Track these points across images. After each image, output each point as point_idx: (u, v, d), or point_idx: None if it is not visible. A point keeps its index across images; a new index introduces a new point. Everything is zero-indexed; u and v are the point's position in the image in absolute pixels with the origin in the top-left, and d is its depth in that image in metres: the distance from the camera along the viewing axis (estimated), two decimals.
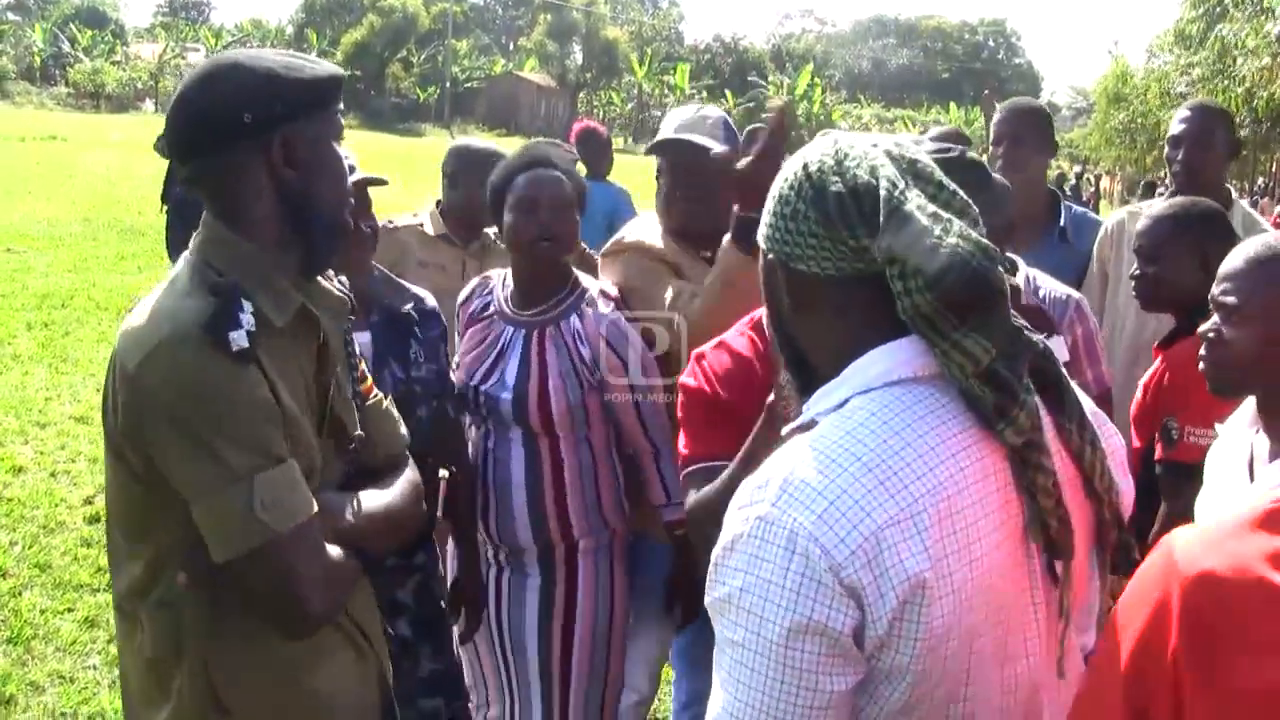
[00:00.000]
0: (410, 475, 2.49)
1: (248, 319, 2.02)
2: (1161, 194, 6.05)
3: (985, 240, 1.60)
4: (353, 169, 3.15)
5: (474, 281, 3.83)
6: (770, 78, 76.25)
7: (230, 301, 2.02)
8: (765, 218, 1.75)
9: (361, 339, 3.29)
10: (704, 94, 70.50)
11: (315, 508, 2.08)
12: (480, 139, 4.92)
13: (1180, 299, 3.49)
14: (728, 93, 69.66)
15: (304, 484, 2.07)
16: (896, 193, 1.60)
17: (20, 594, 5.56)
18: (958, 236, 1.57)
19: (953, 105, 74.06)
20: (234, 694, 2.16)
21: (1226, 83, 23.20)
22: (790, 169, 1.72)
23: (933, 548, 1.53)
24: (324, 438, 2.26)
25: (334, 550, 2.13)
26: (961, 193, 1.67)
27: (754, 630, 1.53)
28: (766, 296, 1.81)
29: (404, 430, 2.58)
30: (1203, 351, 2.67)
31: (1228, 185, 4.68)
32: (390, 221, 4.76)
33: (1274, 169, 33.51)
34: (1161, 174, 26.84)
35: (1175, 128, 4.60)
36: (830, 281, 1.66)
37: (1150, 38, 33.23)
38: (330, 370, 2.29)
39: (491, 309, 3.67)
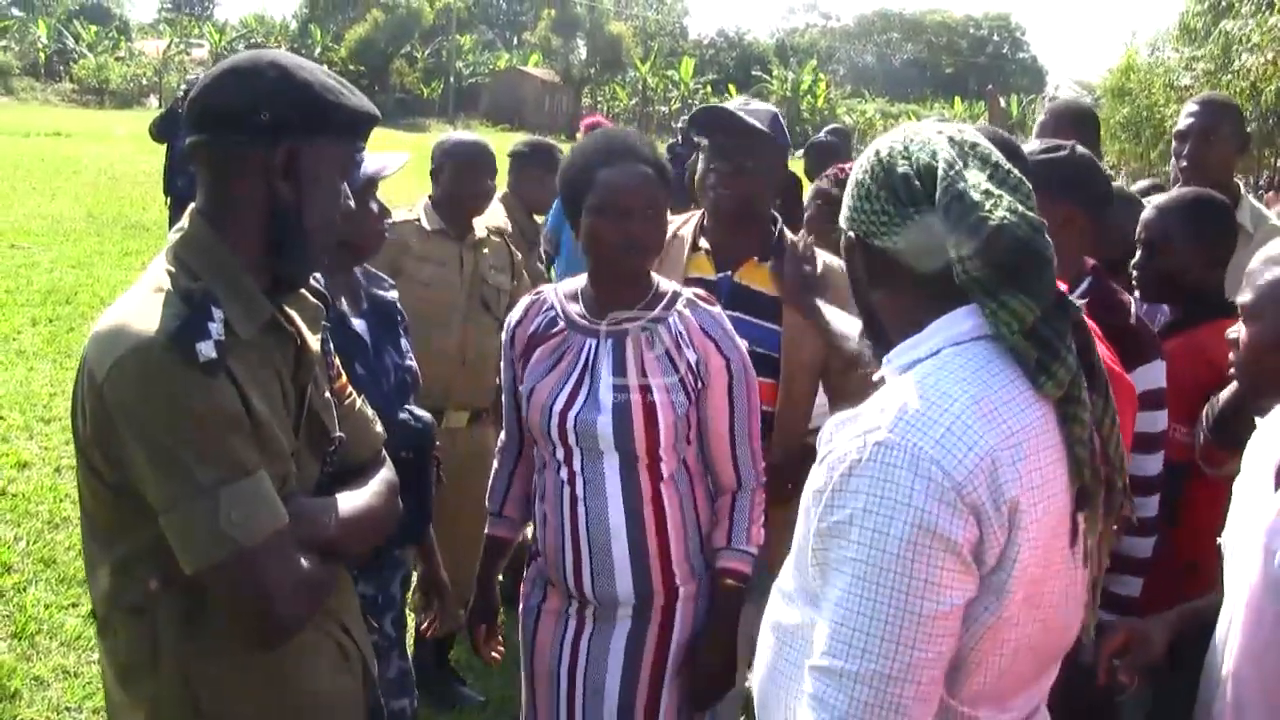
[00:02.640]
0: (386, 474, 2.48)
1: (217, 328, 2.00)
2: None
3: (1032, 213, 1.83)
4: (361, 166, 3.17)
5: (523, 301, 3.34)
6: (774, 72, 76.11)
7: (200, 311, 2.00)
8: (846, 200, 1.97)
9: (359, 326, 3.29)
10: (708, 89, 70.42)
11: (285, 518, 2.05)
12: (469, 132, 4.96)
13: (1181, 291, 3.49)
14: (731, 87, 69.50)
15: (274, 495, 2.05)
16: (953, 172, 1.83)
17: (25, 589, 5.57)
18: (1006, 210, 1.78)
19: (957, 100, 73.96)
20: (214, 700, 2.15)
21: (1230, 77, 23.16)
22: (866, 155, 1.95)
23: (1025, 478, 1.73)
24: (303, 440, 2.25)
25: (307, 559, 2.11)
26: (1017, 171, 1.89)
27: (879, 547, 1.68)
28: (849, 271, 2.04)
29: (379, 429, 2.57)
30: (1231, 356, 2.73)
31: (1236, 180, 4.67)
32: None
33: (1278, 163, 33.45)
34: (1166, 169, 26.75)
35: (1182, 122, 4.60)
36: (901, 254, 1.88)
37: (1154, 32, 33.12)
38: (308, 373, 2.27)
39: (560, 324, 3.19)
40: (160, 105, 51.71)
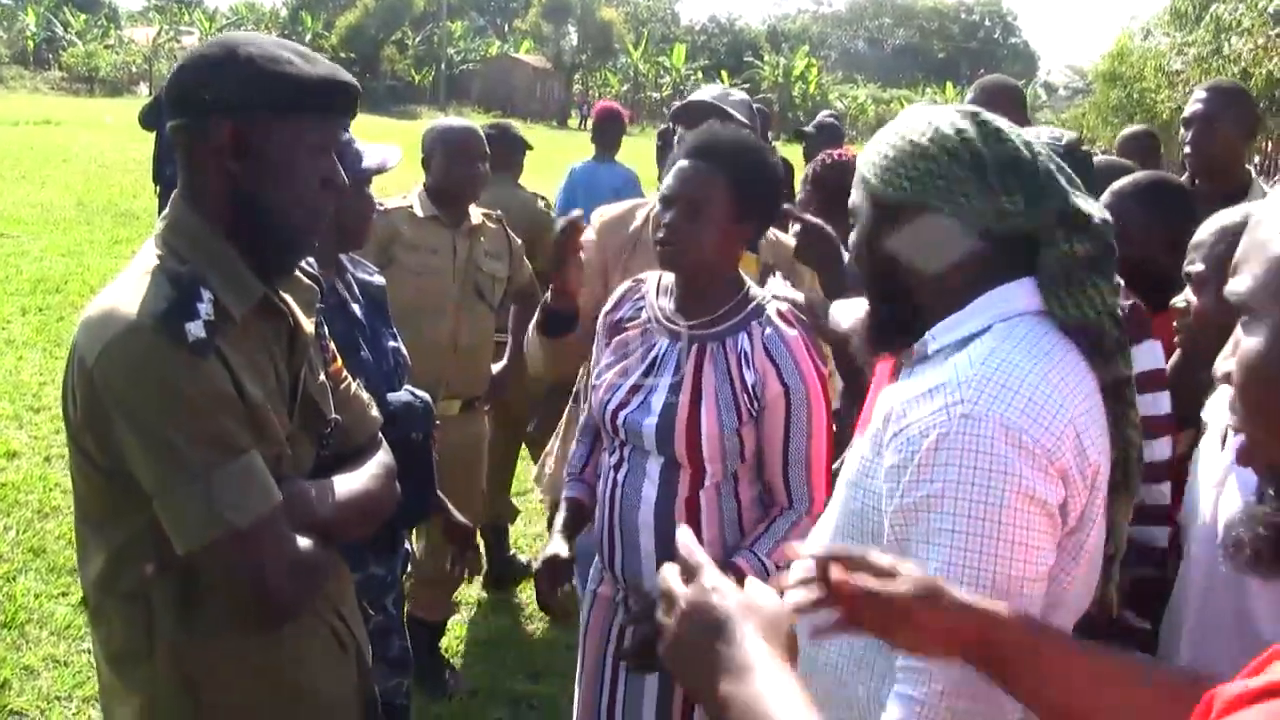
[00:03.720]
0: (383, 458, 2.46)
1: (206, 309, 1.98)
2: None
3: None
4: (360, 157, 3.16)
5: (624, 285, 3.29)
6: (766, 58, 76.16)
7: (188, 292, 1.99)
8: (903, 170, 1.95)
9: (358, 311, 3.29)
10: (700, 75, 70.40)
11: (279, 499, 2.04)
12: (459, 118, 4.92)
13: (1144, 277, 3.46)
14: (723, 73, 69.52)
15: (267, 476, 2.03)
16: (1055, 166, 1.93)
17: (15, 579, 5.55)
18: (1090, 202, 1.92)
19: (949, 85, 74.00)
20: (210, 686, 2.14)
21: (1221, 61, 23.19)
22: (931, 131, 1.94)
23: (1099, 442, 1.83)
24: (297, 424, 2.24)
25: (303, 541, 2.10)
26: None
27: (977, 515, 1.73)
28: (872, 241, 2.02)
29: (375, 413, 2.56)
30: (1176, 323, 2.72)
31: (1247, 167, 4.69)
32: (380, 204, 4.74)
33: (1269, 148, 33.52)
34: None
35: (1189, 109, 4.64)
36: (968, 232, 1.92)
37: (1146, 17, 33.12)
38: (302, 356, 2.26)
39: (645, 315, 3.14)
40: (150, 93, 51.62)
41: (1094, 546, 1.88)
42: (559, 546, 3.14)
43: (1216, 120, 4.52)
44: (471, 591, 5.84)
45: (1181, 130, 4.68)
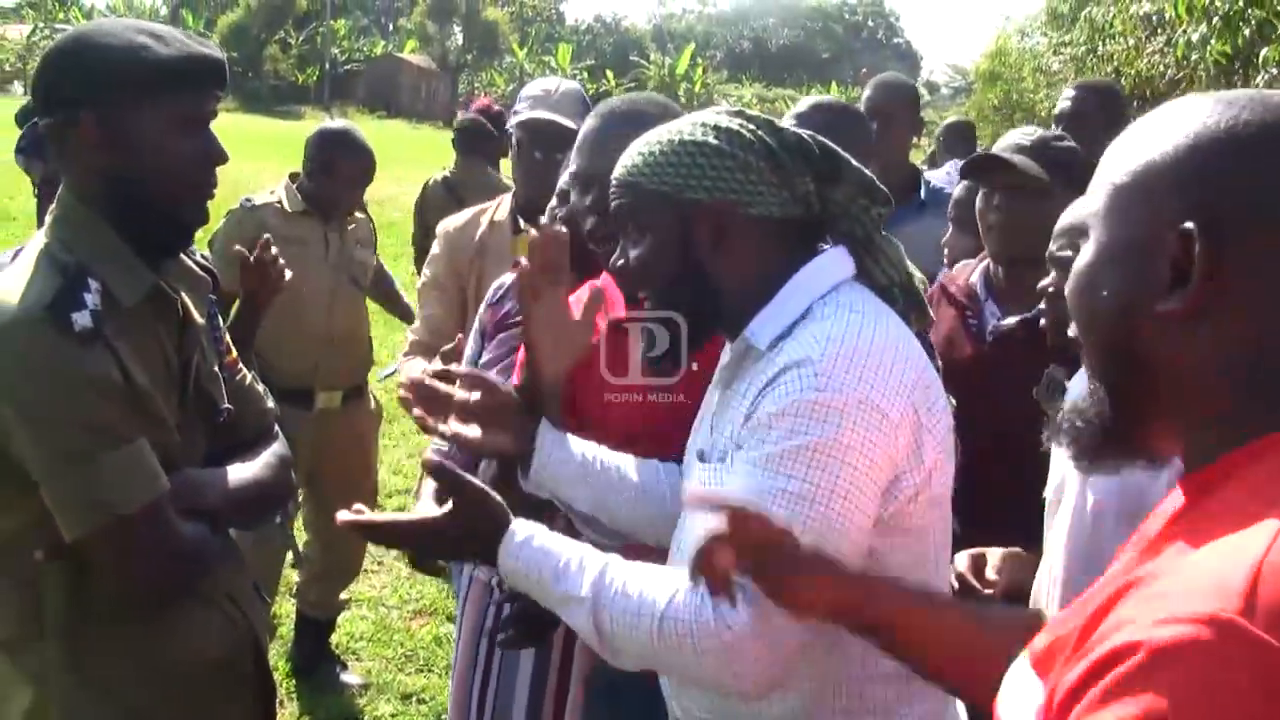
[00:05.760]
0: (278, 449, 2.50)
1: (93, 299, 2.02)
2: None
3: None
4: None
5: (506, 278, 3.19)
6: (652, 57, 76.23)
7: (74, 281, 2.03)
8: (688, 172, 1.95)
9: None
10: (585, 74, 70.36)
11: (165, 487, 2.09)
12: (354, 133, 4.85)
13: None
14: (609, 73, 69.51)
15: (154, 463, 2.08)
16: (826, 143, 1.99)
17: None
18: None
19: (834, 84, 74.68)
20: (102, 668, 2.17)
21: (1096, 61, 23.67)
22: (705, 130, 1.97)
23: (939, 391, 1.93)
24: (189, 412, 2.27)
25: (189, 527, 2.15)
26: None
27: (822, 484, 1.77)
28: (676, 246, 2.00)
29: (270, 404, 2.60)
30: (1042, 306, 2.75)
31: None
32: (249, 200, 4.75)
33: None
34: None
35: (1059, 105, 4.80)
36: (769, 221, 1.96)
37: (1021, 18, 33.69)
38: (193, 344, 2.30)
39: None
40: (25, 92, 50.35)
41: (941, 496, 1.95)
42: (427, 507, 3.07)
43: (1086, 117, 4.67)
44: (359, 587, 5.85)
45: (1055, 126, 4.83)
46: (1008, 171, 3.08)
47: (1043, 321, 2.79)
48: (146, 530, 2.07)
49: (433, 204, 6.65)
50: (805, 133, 2.00)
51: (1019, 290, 3.11)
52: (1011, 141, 3.16)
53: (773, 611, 1.71)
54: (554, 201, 3.04)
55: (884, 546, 1.86)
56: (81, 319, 2.00)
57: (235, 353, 2.56)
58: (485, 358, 3.12)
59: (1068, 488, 2.56)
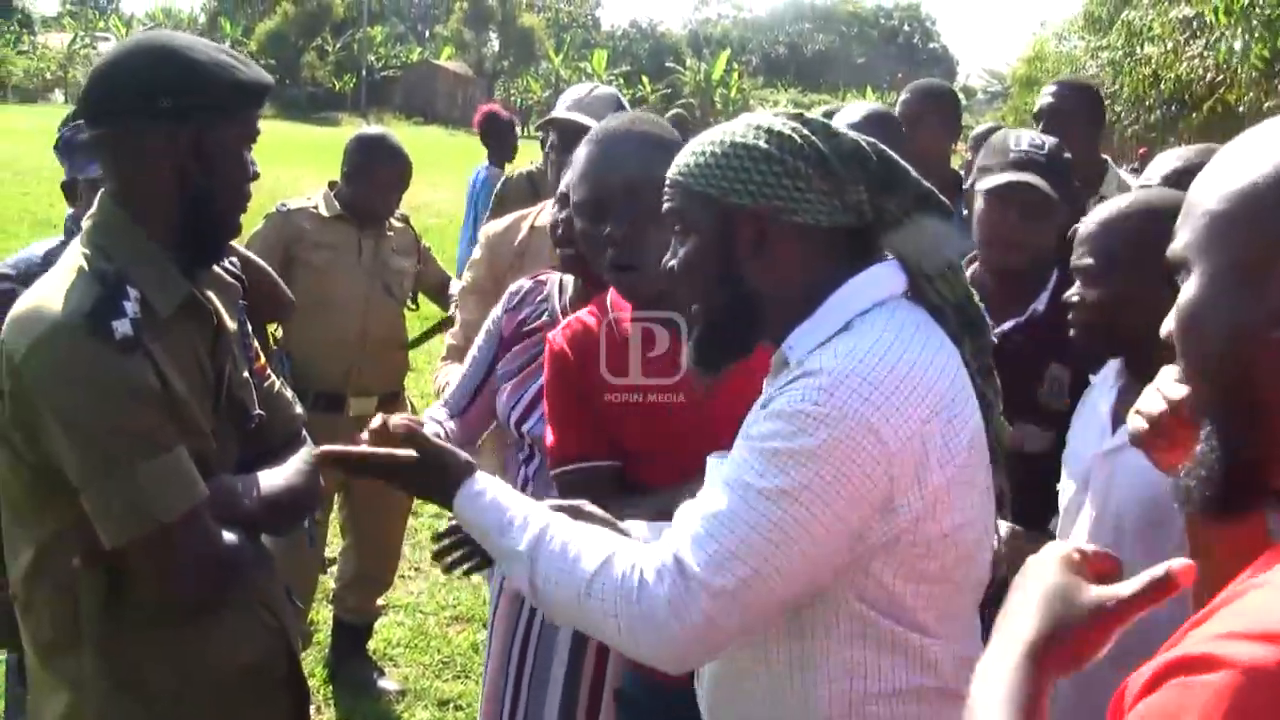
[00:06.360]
0: (306, 454, 2.51)
1: (132, 307, 2.04)
2: None
3: None
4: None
5: (524, 283, 3.19)
6: (687, 63, 76.38)
7: (115, 290, 2.05)
8: (734, 175, 1.89)
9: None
10: (621, 80, 70.49)
11: (204, 494, 2.10)
12: (390, 138, 4.89)
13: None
14: (644, 78, 69.65)
15: (192, 471, 2.09)
16: (885, 151, 1.93)
17: None
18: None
19: (869, 89, 74.51)
20: (137, 673, 2.18)
21: (1134, 65, 23.54)
22: (757, 133, 1.91)
23: (964, 425, 1.84)
24: (222, 420, 2.29)
25: (228, 534, 2.16)
26: None
27: (802, 499, 1.73)
28: (718, 250, 1.94)
29: (299, 409, 2.62)
30: (1070, 316, 2.71)
31: (1104, 156, 4.83)
32: (285, 204, 4.79)
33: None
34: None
35: (1040, 102, 4.78)
36: (817, 229, 1.89)
37: (1061, 22, 33.53)
38: (226, 352, 2.32)
39: (545, 317, 3.07)
40: (66, 100, 50.84)
41: (958, 526, 1.84)
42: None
43: (1068, 114, 4.65)
44: (396, 593, 5.86)
45: (1035, 123, 4.81)
46: (1030, 192, 3.06)
47: (1071, 323, 2.77)
48: (186, 538, 2.08)
49: (514, 198, 6.70)
50: (864, 139, 1.94)
51: (1005, 297, 3.11)
52: (1022, 152, 3.11)
53: (698, 599, 1.73)
54: (554, 207, 3.01)
55: (896, 582, 1.83)
56: (122, 327, 2.01)
57: (263, 359, 2.58)
58: (502, 367, 3.10)
59: (1089, 496, 2.55)
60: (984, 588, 2.00)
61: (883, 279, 1.93)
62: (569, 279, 3.10)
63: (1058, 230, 3.03)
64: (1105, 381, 2.71)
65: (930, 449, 1.77)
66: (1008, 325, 3.06)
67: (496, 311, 3.19)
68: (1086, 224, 2.66)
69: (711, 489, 1.85)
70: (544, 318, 3.07)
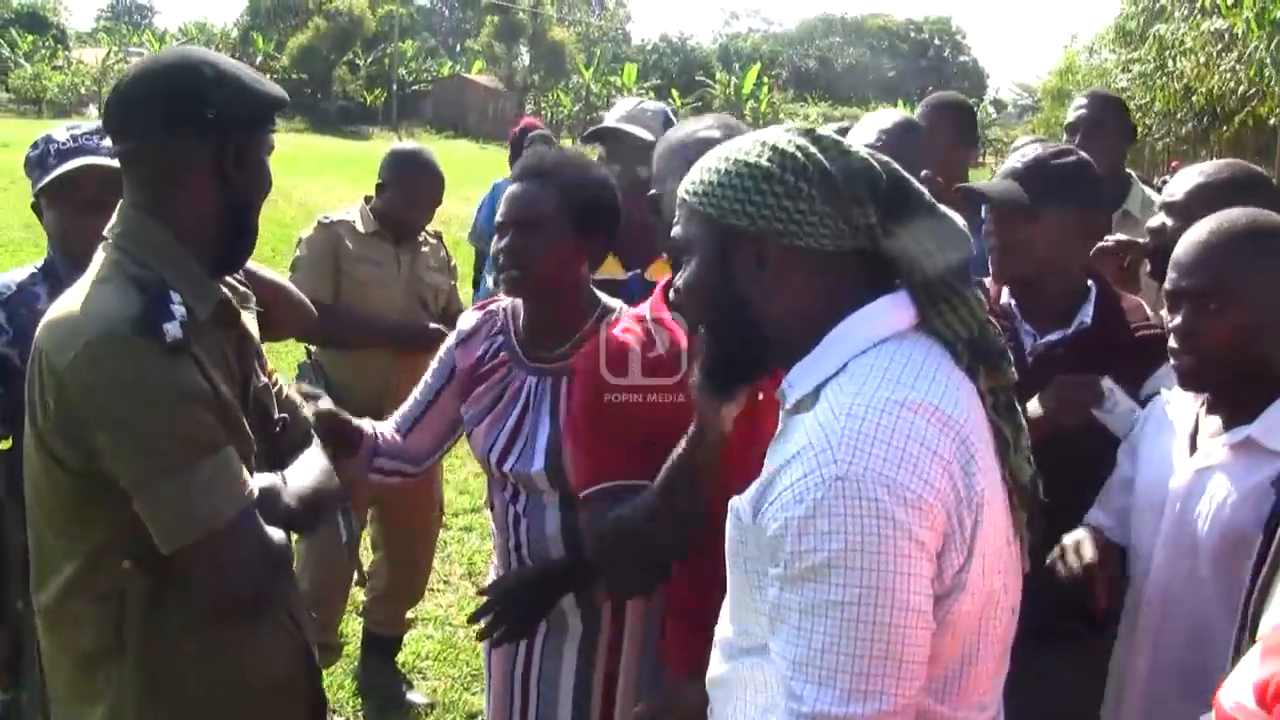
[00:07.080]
0: (319, 455, 2.56)
1: (179, 310, 2.07)
2: None
3: None
4: None
5: (474, 315, 3.14)
6: (717, 77, 76.33)
7: (160, 294, 2.07)
8: (733, 195, 1.80)
9: None
10: (651, 94, 70.59)
11: (254, 494, 2.13)
12: (425, 154, 4.90)
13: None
14: (674, 92, 69.66)
15: (242, 470, 2.12)
16: (899, 172, 1.82)
17: None
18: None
19: (900, 103, 74.41)
20: (175, 683, 2.20)
21: (1165, 78, 23.48)
22: (761, 151, 1.80)
23: (983, 468, 1.73)
24: (251, 422, 2.31)
25: (275, 533, 2.19)
26: None
27: (869, 584, 1.61)
28: (718, 274, 1.85)
29: (307, 412, 2.66)
30: (1174, 345, 2.50)
31: (1129, 171, 4.83)
32: (326, 216, 4.83)
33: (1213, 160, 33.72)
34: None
35: (1071, 115, 4.77)
36: (820, 254, 1.78)
37: (1092, 35, 33.48)
38: (251, 357, 2.36)
39: (503, 355, 3.01)
40: (100, 115, 51.14)
41: (982, 573, 1.74)
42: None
43: (1101, 125, 4.65)
44: (426, 606, 5.86)
45: (1066, 135, 4.79)
46: (985, 199, 3.06)
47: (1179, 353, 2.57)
48: (242, 539, 2.10)
49: None
50: (879, 158, 1.82)
51: (1034, 307, 3.07)
52: (1008, 164, 3.12)
53: None
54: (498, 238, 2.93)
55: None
56: (172, 329, 2.04)
57: (270, 365, 2.61)
58: (469, 409, 3.04)
59: (1165, 518, 2.52)
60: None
61: (885, 313, 1.80)
62: (519, 305, 3.03)
63: (1065, 239, 3.00)
64: (1181, 400, 2.66)
65: (960, 488, 1.69)
66: (1053, 337, 3.03)
67: (450, 341, 3.14)
68: (1190, 246, 2.47)
69: (777, 637, 1.71)
70: (501, 354, 3.02)
